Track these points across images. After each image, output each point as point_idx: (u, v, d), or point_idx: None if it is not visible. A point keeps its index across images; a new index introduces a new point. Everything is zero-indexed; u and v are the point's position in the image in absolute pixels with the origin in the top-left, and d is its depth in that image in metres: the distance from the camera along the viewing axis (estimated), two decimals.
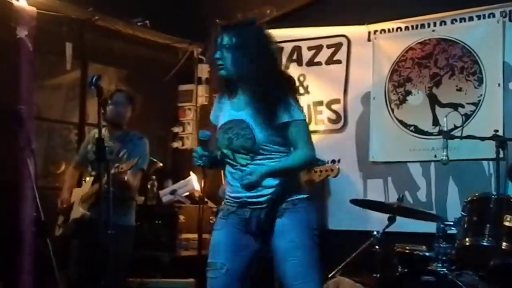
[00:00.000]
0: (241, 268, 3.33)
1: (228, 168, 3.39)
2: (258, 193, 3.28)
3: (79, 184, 5.28)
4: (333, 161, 4.63)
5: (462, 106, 5.53)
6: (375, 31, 6.06)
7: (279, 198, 3.28)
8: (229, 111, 3.37)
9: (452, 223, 4.33)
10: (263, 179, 3.17)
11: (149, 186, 6.25)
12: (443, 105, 5.65)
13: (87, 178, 5.11)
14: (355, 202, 5.08)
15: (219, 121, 3.42)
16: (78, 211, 4.91)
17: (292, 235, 3.25)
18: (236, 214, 3.35)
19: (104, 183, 4.11)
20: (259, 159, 3.28)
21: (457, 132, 4.87)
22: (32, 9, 5.40)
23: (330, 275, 4.86)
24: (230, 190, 3.41)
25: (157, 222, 6.00)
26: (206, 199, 6.02)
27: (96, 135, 4.98)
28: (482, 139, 4.65)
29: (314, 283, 3.27)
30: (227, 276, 3.29)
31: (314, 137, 6.02)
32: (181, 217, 5.99)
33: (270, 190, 3.28)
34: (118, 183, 4.78)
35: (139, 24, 6.26)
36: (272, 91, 3.25)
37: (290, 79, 3.42)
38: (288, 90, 3.33)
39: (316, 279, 3.28)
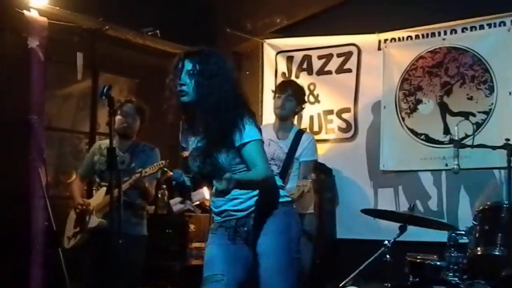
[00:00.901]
0: (239, 278, 3.33)
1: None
2: (238, 202, 3.32)
3: (88, 196, 5.29)
4: (305, 177, 4.69)
5: (473, 115, 5.51)
6: (386, 40, 6.06)
7: (260, 203, 3.31)
8: (193, 138, 3.43)
9: (463, 232, 4.31)
10: (233, 186, 3.06)
11: (159, 195, 6.25)
12: (454, 114, 5.64)
13: (99, 188, 5.11)
14: (366, 212, 5.06)
15: (188, 147, 3.48)
16: (94, 220, 4.89)
17: (266, 239, 3.27)
18: (223, 226, 3.39)
19: (116, 192, 4.11)
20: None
21: (468, 141, 4.86)
22: (43, 20, 5.43)
23: (340, 285, 4.84)
24: (214, 205, 3.46)
25: (167, 231, 6.00)
26: None
27: (102, 146, 5.03)
28: (494, 148, 4.64)
29: None
30: (228, 287, 3.29)
31: (325, 146, 6.15)
32: (192, 226, 5.98)
33: (248, 198, 3.32)
34: (139, 189, 4.81)
35: (149, 33, 6.28)
36: (230, 116, 3.28)
37: (247, 101, 3.44)
38: (245, 112, 3.34)
39: (284, 285, 3.26)
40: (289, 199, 3.43)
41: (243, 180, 3.14)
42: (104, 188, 4.92)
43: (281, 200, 3.36)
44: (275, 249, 3.25)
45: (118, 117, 4.95)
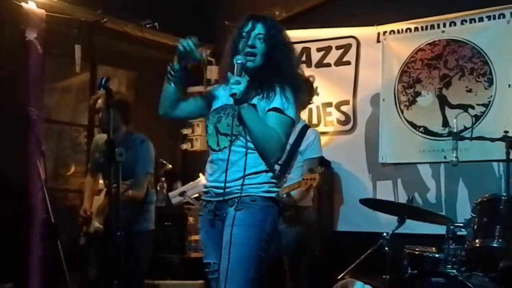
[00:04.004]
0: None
1: (210, 155, 3.36)
2: (222, 184, 3.21)
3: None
4: (311, 170, 4.69)
5: (472, 107, 5.51)
6: (385, 32, 6.05)
7: (241, 191, 3.20)
8: (228, 97, 3.29)
9: (462, 224, 4.31)
10: (241, 92, 3.13)
11: (158, 188, 6.25)
12: (453, 106, 5.63)
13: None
14: (365, 202, 5.06)
15: (214, 103, 3.41)
16: (92, 226, 4.84)
17: (236, 229, 3.15)
18: (207, 207, 3.33)
19: (115, 186, 4.07)
20: (238, 145, 3.23)
21: (467, 133, 4.85)
22: (42, 12, 5.42)
23: (339, 277, 4.85)
24: (206, 180, 3.39)
25: (166, 224, 6.01)
26: None
27: (99, 142, 5.02)
28: (492, 140, 4.64)
29: (239, 283, 3.13)
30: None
31: (324, 138, 6.14)
32: (191, 219, 5.99)
33: (234, 182, 3.22)
34: (127, 201, 4.72)
35: (148, 26, 6.28)
36: (284, 85, 3.26)
37: (307, 81, 3.44)
38: (299, 89, 3.34)
39: (243, 278, 3.13)
40: (272, 195, 3.28)
41: (253, 112, 3.14)
42: (105, 189, 4.88)
43: (264, 194, 3.24)
44: (243, 242, 3.14)
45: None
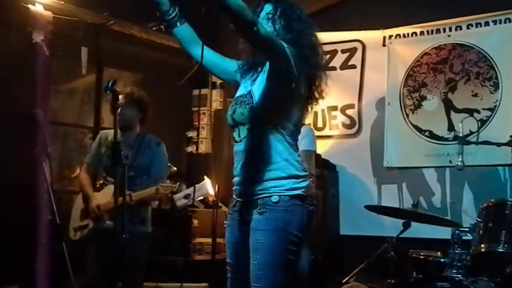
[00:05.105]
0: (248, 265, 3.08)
1: (234, 147, 3.18)
2: (244, 184, 3.06)
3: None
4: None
5: (478, 112, 5.51)
6: (390, 36, 6.05)
7: (263, 192, 3.01)
8: (247, 85, 3.18)
9: (467, 229, 4.29)
10: None
11: None
12: (458, 111, 5.63)
13: (106, 184, 5.08)
14: (370, 208, 5.06)
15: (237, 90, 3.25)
16: (104, 222, 4.81)
17: (260, 235, 2.98)
18: (235, 207, 3.14)
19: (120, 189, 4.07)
20: (257, 132, 3.04)
21: (472, 138, 4.84)
22: (48, 14, 5.44)
23: (344, 281, 4.85)
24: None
25: (171, 226, 6.01)
26: (220, 204, 6.03)
27: (109, 138, 4.96)
28: (498, 144, 4.63)
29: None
30: (242, 276, 3.10)
31: (329, 142, 6.16)
32: (195, 222, 5.99)
33: (258, 181, 3.02)
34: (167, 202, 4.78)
35: (154, 28, 6.27)
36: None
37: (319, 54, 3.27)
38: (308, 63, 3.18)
39: (271, 284, 2.97)
40: (298, 192, 2.98)
41: None
42: (112, 186, 4.83)
43: (288, 193, 2.98)
44: (269, 248, 2.97)
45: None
